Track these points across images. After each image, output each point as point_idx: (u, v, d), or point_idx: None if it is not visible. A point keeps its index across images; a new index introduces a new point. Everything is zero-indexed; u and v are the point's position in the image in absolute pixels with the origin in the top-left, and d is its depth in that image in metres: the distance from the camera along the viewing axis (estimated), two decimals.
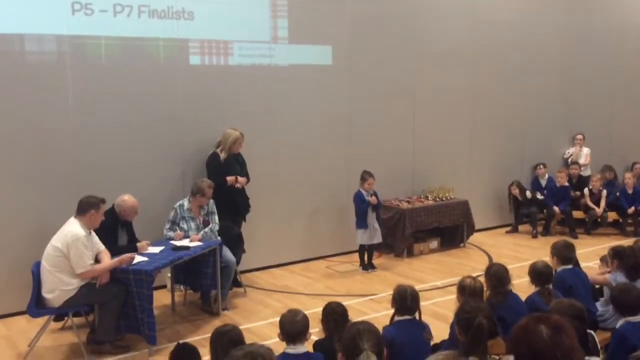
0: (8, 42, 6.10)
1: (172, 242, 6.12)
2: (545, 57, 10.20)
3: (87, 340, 5.44)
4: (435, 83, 9.06)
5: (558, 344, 2.09)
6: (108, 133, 6.63)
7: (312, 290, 7.04)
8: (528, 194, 9.67)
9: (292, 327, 3.54)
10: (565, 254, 4.95)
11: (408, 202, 8.64)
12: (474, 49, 9.39)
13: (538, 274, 4.55)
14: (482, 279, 4.38)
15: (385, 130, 8.66)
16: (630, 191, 9.66)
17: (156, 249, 5.87)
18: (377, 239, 7.76)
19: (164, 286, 6.82)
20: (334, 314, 3.93)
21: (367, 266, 7.76)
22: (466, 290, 4.13)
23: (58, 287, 5.15)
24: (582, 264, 5.61)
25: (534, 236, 9.46)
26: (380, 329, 3.33)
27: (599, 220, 9.63)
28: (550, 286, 4.51)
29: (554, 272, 4.80)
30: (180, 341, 3.81)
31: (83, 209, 5.29)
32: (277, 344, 3.67)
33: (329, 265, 8.00)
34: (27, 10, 6.11)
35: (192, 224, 6.42)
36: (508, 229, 9.84)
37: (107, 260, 5.34)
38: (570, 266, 4.90)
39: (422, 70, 8.93)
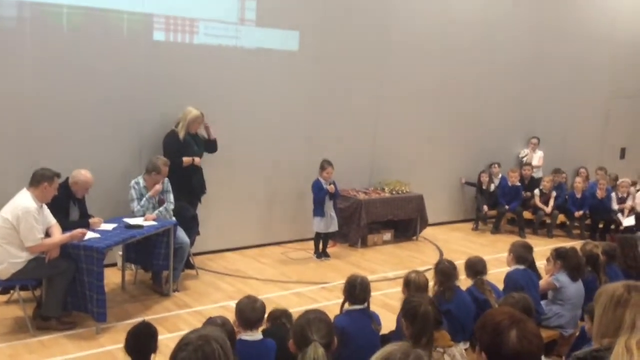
0: None
1: (125, 219, 6.03)
2: (508, 63, 10.38)
3: (33, 315, 5.35)
4: (401, 78, 9.14)
5: (523, 353, 2.17)
6: (65, 105, 6.47)
7: (265, 275, 7.06)
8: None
9: (252, 314, 3.55)
10: (522, 253, 5.04)
11: (365, 193, 8.73)
12: (441, 48, 9.49)
13: (471, 266, 4.76)
14: (429, 274, 4.48)
15: (347, 121, 8.70)
16: (578, 195, 9.96)
17: (109, 226, 5.79)
18: (334, 227, 7.82)
19: (114, 264, 6.74)
20: (280, 316, 3.97)
21: (321, 254, 7.83)
22: (411, 285, 4.24)
23: (6, 259, 5.04)
24: None
25: (474, 229, 9.87)
26: (332, 317, 3.37)
27: (546, 221, 9.91)
28: (484, 277, 4.66)
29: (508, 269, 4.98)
30: (145, 319, 3.77)
31: (36, 180, 5.17)
32: None
33: (283, 252, 8.02)
34: None
35: (147, 203, 6.35)
36: (467, 225, 10.11)
37: (58, 235, 5.25)
38: (522, 267, 4.98)
39: (389, 64, 8.99)
